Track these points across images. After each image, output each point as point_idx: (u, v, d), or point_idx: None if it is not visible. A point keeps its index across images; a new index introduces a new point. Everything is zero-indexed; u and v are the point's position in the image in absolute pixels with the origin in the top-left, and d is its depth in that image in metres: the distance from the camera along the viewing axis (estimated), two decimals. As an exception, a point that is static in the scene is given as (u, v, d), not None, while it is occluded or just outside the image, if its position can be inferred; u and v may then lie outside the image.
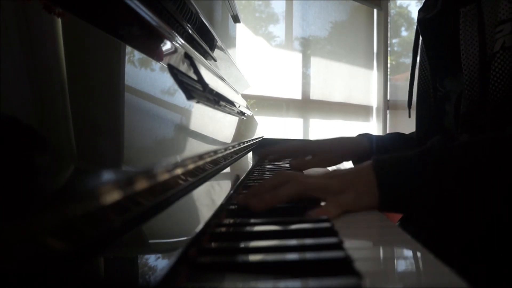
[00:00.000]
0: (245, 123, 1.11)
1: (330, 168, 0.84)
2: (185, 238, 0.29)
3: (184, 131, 0.48)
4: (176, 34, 0.53)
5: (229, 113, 0.87)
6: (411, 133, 0.87)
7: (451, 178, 0.43)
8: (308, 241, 0.31)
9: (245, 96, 1.61)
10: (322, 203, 0.46)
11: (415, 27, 0.79)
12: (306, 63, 2.51)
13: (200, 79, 0.65)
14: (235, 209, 0.46)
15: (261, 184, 0.47)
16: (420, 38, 0.78)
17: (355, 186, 0.45)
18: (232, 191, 0.51)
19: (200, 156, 0.47)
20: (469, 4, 0.62)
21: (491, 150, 0.44)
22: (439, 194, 0.43)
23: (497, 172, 0.42)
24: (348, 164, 0.84)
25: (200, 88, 0.63)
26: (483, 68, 0.60)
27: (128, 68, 0.36)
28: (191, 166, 0.42)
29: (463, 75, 0.63)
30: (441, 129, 0.75)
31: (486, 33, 0.60)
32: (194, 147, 0.48)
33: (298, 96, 2.47)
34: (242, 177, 0.65)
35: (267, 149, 0.85)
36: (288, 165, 0.93)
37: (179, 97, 0.49)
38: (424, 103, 0.79)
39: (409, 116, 0.85)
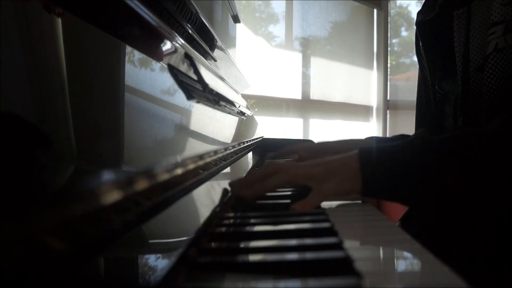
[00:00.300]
0: (245, 123, 1.11)
1: None
2: (185, 238, 0.29)
3: (184, 131, 0.48)
4: (176, 34, 0.53)
5: (229, 113, 0.87)
6: None
7: (430, 167, 0.45)
8: (308, 241, 0.31)
9: (245, 96, 1.61)
10: None
11: (415, 27, 0.80)
12: (306, 63, 2.51)
13: (200, 79, 0.65)
14: (233, 202, 0.47)
15: (252, 174, 0.51)
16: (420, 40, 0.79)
17: (339, 172, 0.47)
18: (231, 193, 0.51)
19: (200, 156, 0.47)
20: (461, 7, 0.63)
21: (470, 143, 0.46)
22: (418, 182, 0.45)
23: (475, 163, 0.44)
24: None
25: (200, 88, 0.63)
26: (466, 70, 0.61)
27: (128, 68, 0.36)
28: (191, 166, 0.42)
29: (459, 77, 0.63)
30: (442, 130, 0.75)
31: (476, 36, 0.60)
32: (194, 147, 0.48)
33: (298, 96, 2.47)
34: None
35: (277, 152, 0.87)
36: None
37: (179, 97, 0.49)
38: (424, 104, 0.80)
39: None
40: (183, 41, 0.56)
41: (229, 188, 0.51)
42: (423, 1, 0.80)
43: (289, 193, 0.54)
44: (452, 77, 0.70)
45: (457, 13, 0.64)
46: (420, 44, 0.78)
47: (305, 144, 0.83)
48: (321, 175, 0.47)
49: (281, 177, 0.48)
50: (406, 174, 0.45)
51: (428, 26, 0.75)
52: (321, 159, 0.50)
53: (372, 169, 0.46)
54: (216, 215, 0.40)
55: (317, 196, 0.46)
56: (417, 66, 0.82)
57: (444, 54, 0.72)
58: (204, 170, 0.47)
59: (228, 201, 0.48)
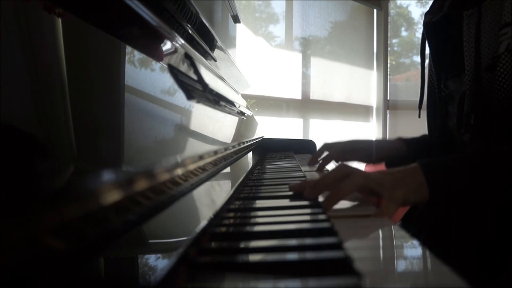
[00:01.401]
0: (245, 123, 1.11)
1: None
2: (185, 238, 0.29)
3: (184, 131, 0.48)
4: (176, 34, 0.53)
5: (229, 113, 0.87)
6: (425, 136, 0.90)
7: (489, 182, 0.50)
8: (308, 241, 0.31)
9: (245, 96, 1.61)
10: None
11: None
12: (306, 63, 2.51)
13: (200, 79, 0.65)
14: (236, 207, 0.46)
15: (324, 178, 0.50)
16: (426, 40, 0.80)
17: (406, 183, 0.50)
18: (232, 191, 0.51)
19: (200, 156, 0.47)
20: (472, 8, 0.63)
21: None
22: (477, 195, 0.50)
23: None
24: (380, 166, 0.89)
25: (200, 88, 0.63)
26: (478, 70, 0.61)
27: (128, 68, 0.36)
28: (191, 166, 0.42)
29: (466, 77, 0.63)
30: (445, 129, 0.76)
31: (487, 36, 0.61)
32: (194, 147, 0.48)
33: (298, 96, 2.47)
34: (242, 177, 0.65)
35: (317, 154, 0.87)
36: (286, 165, 0.93)
37: (179, 97, 0.49)
38: (431, 103, 0.81)
39: (419, 117, 0.89)
40: (183, 41, 0.56)
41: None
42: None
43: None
44: (458, 77, 0.70)
45: (467, 13, 0.64)
46: (427, 44, 0.79)
47: (337, 145, 0.84)
48: (391, 183, 0.49)
49: (358, 180, 0.48)
50: (467, 189, 0.50)
51: (436, 27, 0.76)
52: (385, 170, 0.53)
53: (436, 183, 0.50)
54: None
55: (392, 204, 0.48)
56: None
57: (451, 54, 0.72)
58: (204, 170, 0.47)
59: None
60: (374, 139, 0.90)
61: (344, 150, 0.83)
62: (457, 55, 0.67)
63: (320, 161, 0.84)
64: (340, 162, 0.82)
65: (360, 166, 0.88)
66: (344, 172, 0.49)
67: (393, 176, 0.50)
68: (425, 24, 0.78)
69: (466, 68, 0.64)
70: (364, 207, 0.49)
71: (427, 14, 0.79)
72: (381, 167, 0.88)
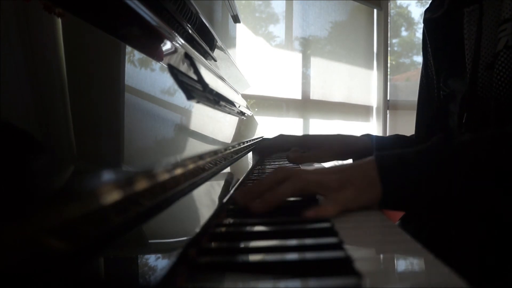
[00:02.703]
0: (245, 123, 1.11)
1: (326, 164, 0.83)
2: (185, 238, 0.29)
3: (184, 131, 0.48)
4: (176, 34, 0.53)
5: (229, 113, 0.87)
6: (412, 135, 0.87)
7: (452, 176, 0.43)
8: (308, 241, 0.31)
9: (245, 96, 1.61)
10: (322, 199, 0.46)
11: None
12: (306, 63, 2.51)
13: (200, 79, 0.65)
14: (235, 208, 0.46)
15: (260, 182, 0.45)
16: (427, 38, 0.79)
17: (355, 182, 0.43)
18: (232, 191, 0.51)
19: (200, 156, 0.47)
20: (472, 4, 0.63)
21: (491, 148, 0.44)
22: (441, 193, 0.43)
23: (497, 170, 0.42)
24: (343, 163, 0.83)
25: (200, 88, 0.63)
26: (475, 68, 0.61)
27: (128, 68, 0.36)
28: (191, 166, 0.42)
29: (467, 75, 0.63)
30: (445, 129, 0.75)
31: (487, 33, 0.60)
32: (194, 147, 0.48)
33: (298, 96, 2.47)
34: (242, 177, 0.65)
35: (265, 143, 0.82)
36: (286, 165, 0.93)
37: (179, 97, 0.49)
38: (427, 103, 0.80)
39: None
40: (183, 41, 0.56)
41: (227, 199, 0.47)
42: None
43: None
44: (459, 76, 0.69)
45: (468, 10, 0.63)
46: (428, 41, 0.78)
47: (294, 137, 0.78)
48: (336, 182, 0.43)
49: (295, 184, 0.43)
50: (428, 185, 0.43)
51: (436, 24, 0.75)
52: (335, 166, 0.47)
53: (391, 179, 0.43)
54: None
55: (334, 204, 0.42)
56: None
57: (452, 52, 0.72)
58: (204, 170, 0.47)
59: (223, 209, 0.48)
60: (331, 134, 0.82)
61: (300, 148, 0.77)
62: (458, 53, 0.67)
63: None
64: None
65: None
66: (283, 175, 0.44)
67: (340, 175, 0.44)
68: (425, 21, 0.78)
69: (468, 66, 0.63)
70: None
71: (427, 11, 0.78)
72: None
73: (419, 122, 0.82)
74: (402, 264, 0.29)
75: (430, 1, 0.79)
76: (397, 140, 0.83)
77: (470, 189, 0.42)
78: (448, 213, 0.46)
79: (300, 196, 0.47)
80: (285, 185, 0.43)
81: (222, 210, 0.42)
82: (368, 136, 0.82)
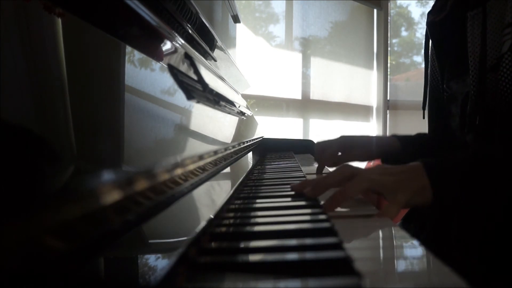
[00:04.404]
0: (245, 123, 1.11)
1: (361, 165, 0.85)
2: (185, 238, 0.29)
3: (184, 131, 0.48)
4: (176, 34, 0.53)
5: (229, 113, 0.87)
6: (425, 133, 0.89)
7: (493, 186, 0.49)
8: (308, 241, 0.31)
9: (245, 96, 1.61)
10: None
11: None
12: (306, 63, 2.51)
13: (200, 79, 0.65)
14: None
15: (328, 177, 0.50)
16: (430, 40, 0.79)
17: (409, 185, 0.48)
18: (232, 191, 0.51)
19: (200, 156, 0.47)
20: (476, 8, 0.63)
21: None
22: (481, 199, 0.50)
23: None
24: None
25: (200, 88, 0.63)
26: (483, 71, 0.61)
27: (128, 68, 0.36)
28: (191, 166, 0.42)
29: (470, 77, 0.63)
30: (448, 129, 0.76)
31: (491, 36, 0.61)
32: (194, 147, 0.48)
33: (298, 96, 2.47)
34: (242, 177, 0.65)
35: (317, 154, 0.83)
36: (286, 165, 0.93)
37: (179, 97, 0.49)
38: (434, 104, 0.81)
39: (423, 118, 0.87)
40: (183, 41, 0.56)
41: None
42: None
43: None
44: (461, 78, 0.70)
45: (471, 14, 0.64)
46: (430, 44, 0.79)
47: (329, 145, 0.80)
48: (394, 185, 0.48)
49: (363, 183, 0.47)
50: (472, 191, 0.49)
51: (439, 27, 0.76)
52: (389, 168, 0.51)
53: (441, 186, 0.49)
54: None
55: (395, 207, 0.46)
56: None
57: (454, 54, 0.72)
58: (204, 170, 0.47)
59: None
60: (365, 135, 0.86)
61: (339, 150, 0.80)
62: (461, 55, 0.67)
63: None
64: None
65: (359, 164, 0.86)
66: (349, 173, 0.49)
67: (397, 177, 0.49)
68: (428, 24, 0.78)
69: (471, 68, 0.63)
70: (364, 207, 0.49)
71: (429, 14, 0.79)
72: (377, 162, 0.86)
73: (430, 122, 0.84)
74: (402, 264, 0.29)
75: (430, 2, 0.80)
76: (422, 140, 0.85)
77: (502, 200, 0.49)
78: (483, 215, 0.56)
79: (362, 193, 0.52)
80: (353, 184, 0.47)
81: (222, 210, 0.43)
82: (395, 137, 0.84)
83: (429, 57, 0.81)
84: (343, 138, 0.80)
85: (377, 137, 0.86)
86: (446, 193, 0.49)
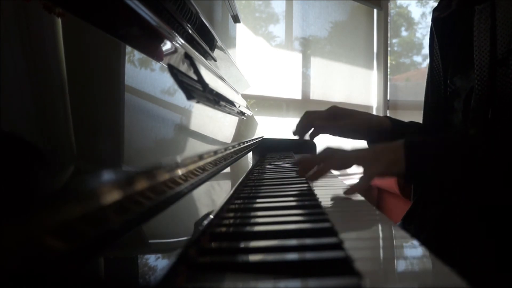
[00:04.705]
0: (245, 123, 1.11)
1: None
2: (185, 238, 0.29)
3: (184, 131, 0.48)
4: (176, 34, 0.53)
5: (229, 113, 0.87)
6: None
7: (457, 165, 0.53)
8: (308, 241, 0.31)
9: (245, 96, 1.61)
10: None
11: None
12: (306, 63, 2.51)
13: (200, 79, 0.65)
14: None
15: (312, 158, 0.62)
16: (434, 36, 0.79)
17: (384, 157, 0.55)
18: (232, 191, 0.51)
19: (200, 156, 0.47)
20: (484, 2, 0.63)
21: (492, 148, 0.53)
22: (446, 176, 0.54)
23: (494, 164, 0.52)
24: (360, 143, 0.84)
25: (200, 88, 0.63)
26: (493, 65, 0.61)
27: (128, 68, 0.36)
28: (191, 166, 0.42)
29: (475, 72, 0.63)
30: (449, 125, 0.76)
31: (500, 30, 0.61)
32: (194, 147, 0.48)
33: (298, 96, 2.47)
34: (242, 177, 0.65)
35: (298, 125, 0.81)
36: (286, 165, 0.93)
37: (179, 97, 0.49)
38: (434, 99, 0.80)
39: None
40: (183, 41, 0.56)
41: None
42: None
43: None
44: (465, 73, 0.70)
45: (479, 8, 0.64)
46: (435, 40, 0.79)
47: (328, 109, 0.81)
48: (369, 156, 0.56)
49: (341, 158, 0.57)
50: (442, 168, 0.54)
51: (445, 22, 0.76)
52: (365, 148, 0.59)
53: (413, 160, 0.54)
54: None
55: (368, 176, 0.54)
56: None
57: (459, 50, 0.72)
58: (204, 170, 0.47)
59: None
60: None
61: (329, 117, 0.80)
62: (466, 51, 0.67)
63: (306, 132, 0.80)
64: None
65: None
66: (330, 153, 0.58)
67: (373, 151, 0.56)
68: (433, 20, 0.78)
69: (476, 63, 0.63)
70: (363, 206, 0.49)
71: (435, 10, 0.79)
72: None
73: (425, 118, 0.84)
74: (402, 264, 0.29)
75: (430, 2, 0.80)
76: (414, 126, 0.85)
77: (472, 178, 0.53)
78: (452, 194, 0.61)
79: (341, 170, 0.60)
80: (332, 161, 0.58)
81: (222, 210, 0.43)
82: (388, 118, 0.84)
83: (433, 54, 0.81)
84: (334, 108, 0.81)
85: (369, 114, 0.85)
86: (417, 167, 0.54)
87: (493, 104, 0.62)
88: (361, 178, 0.55)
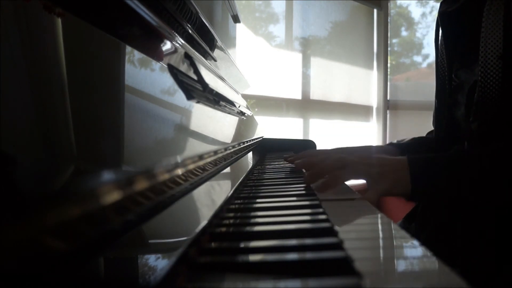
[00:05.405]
0: (245, 123, 1.11)
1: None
2: (185, 238, 0.29)
3: (184, 131, 0.48)
4: (176, 34, 0.53)
5: (229, 113, 0.87)
6: (428, 134, 0.91)
7: (465, 184, 0.54)
8: (308, 241, 0.31)
9: (245, 96, 1.61)
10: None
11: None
12: (306, 63, 2.51)
13: (200, 79, 0.65)
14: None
15: (322, 166, 0.58)
16: (440, 31, 0.79)
17: (390, 176, 0.55)
18: (232, 191, 0.51)
19: (200, 156, 0.47)
20: None
21: (499, 163, 0.54)
22: (454, 194, 0.55)
23: (502, 181, 0.53)
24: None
25: (200, 88, 0.63)
26: (507, 55, 0.61)
27: (128, 68, 0.36)
28: (191, 166, 0.42)
29: (479, 64, 0.63)
30: (452, 119, 0.76)
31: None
32: (194, 147, 0.48)
33: (298, 96, 2.47)
34: (242, 177, 0.65)
35: (298, 156, 0.81)
36: (286, 165, 0.93)
37: (179, 97, 0.49)
38: (440, 94, 0.80)
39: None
40: (183, 41, 0.56)
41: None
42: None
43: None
44: (470, 67, 0.70)
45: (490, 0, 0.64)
46: (441, 34, 0.79)
47: (327, 151, 0.79)
48: (377, 175, 0.56)
49: (351, 172, 0.56)
50: (446, 189, 0.55)
51: (452, 16, 0.76)
52: (374, 158, 0.58)
53: (420, 181, 0.55)
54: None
55: (375, 194, 0.54)
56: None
57: (465, 43, 0.72)
58: (204, 170, 0.47)
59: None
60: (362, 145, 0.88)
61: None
62: (472, 44, 0.67)
63: None
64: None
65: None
66: (342, 163, 0.57)
67: (381, 169, 0.56)
68: (440, 14, 0.78)
69: (481, 55, 0.63)
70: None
71: (442, 4, 0.79)
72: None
73: (435, 113, 0.84)
74: (402, 264, 0.29)
75: (430, 2, 0.80)
76: (417, 145, 0.88)
77: (477, 194, 0.54)
78: (458, 210, 0.61)
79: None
80: (343, 173, 0.56)
81: (222, 210, 0.43)
82: (394, 145, 0.88)
83: (438, 47, 0.81)
84: (340, 149, 0.81)
85: (371, 147, 0.87)
86: (422, 186, 0.55)
87: (499, 97, 0.61)
88: (369, 192, 0.54)
